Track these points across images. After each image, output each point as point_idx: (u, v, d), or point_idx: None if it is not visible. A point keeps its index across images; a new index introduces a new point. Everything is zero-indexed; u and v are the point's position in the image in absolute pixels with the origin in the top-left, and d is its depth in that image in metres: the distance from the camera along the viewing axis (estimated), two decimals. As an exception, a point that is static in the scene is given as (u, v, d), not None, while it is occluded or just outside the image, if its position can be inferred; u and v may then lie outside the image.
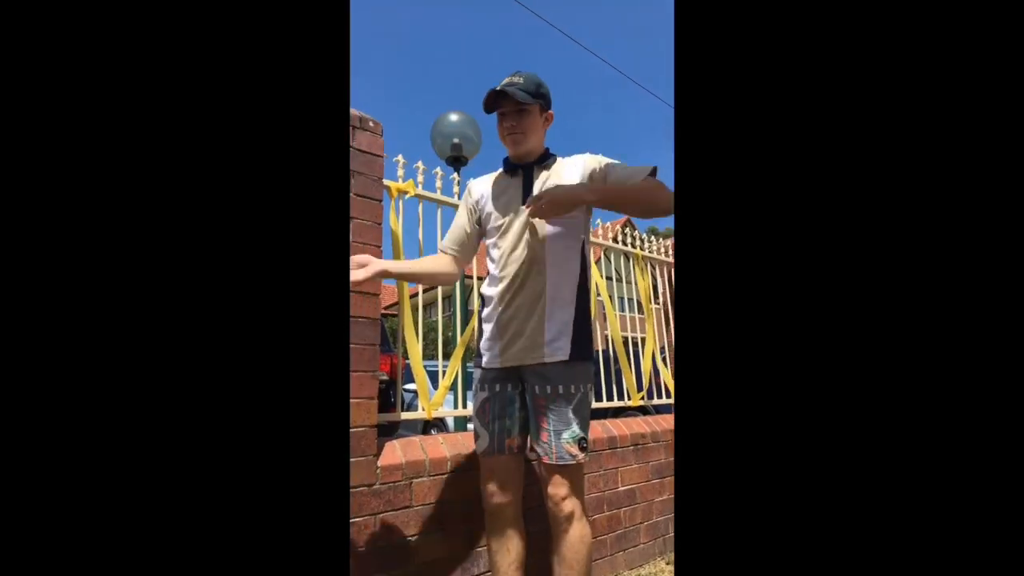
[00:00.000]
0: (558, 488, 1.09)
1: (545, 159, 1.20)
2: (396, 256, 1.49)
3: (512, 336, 1.12)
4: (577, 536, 1.08)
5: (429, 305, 12.61)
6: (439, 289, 1.56)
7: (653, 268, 2.48)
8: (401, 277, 1.25)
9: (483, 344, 1.19)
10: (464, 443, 1.42)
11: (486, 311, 1.19)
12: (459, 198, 1.67)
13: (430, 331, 10.34)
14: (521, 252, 1.13)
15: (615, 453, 1.78)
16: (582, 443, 1.09)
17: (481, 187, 1.25)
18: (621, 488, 1.77)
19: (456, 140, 2.75)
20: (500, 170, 1.24)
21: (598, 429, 1.79)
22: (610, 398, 2.09)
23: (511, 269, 1.13)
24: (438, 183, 1.66)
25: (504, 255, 1.15)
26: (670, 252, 2.59)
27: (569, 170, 1.17)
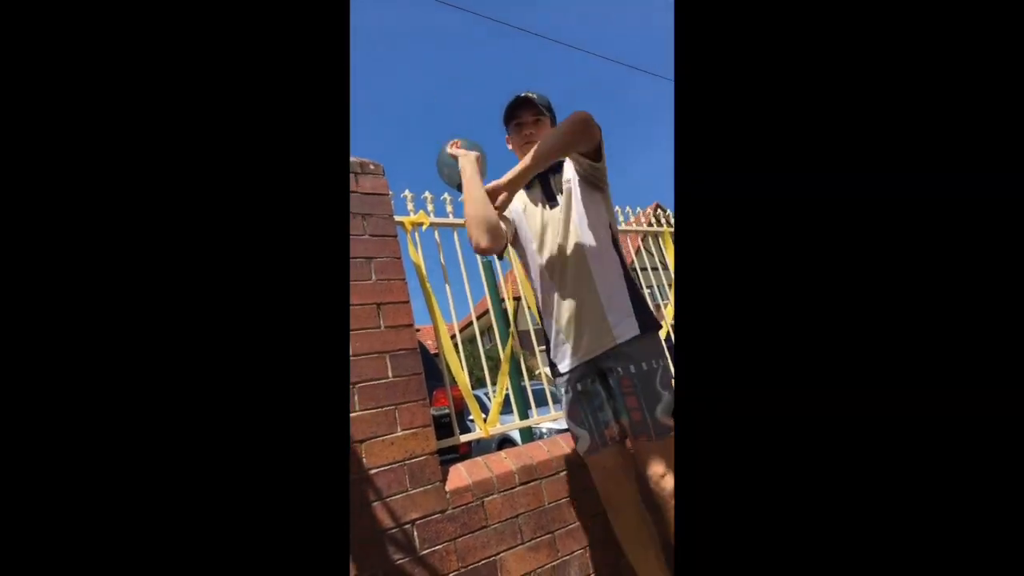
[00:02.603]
0: (656, 466, 1.05)
1: (556, 166, 1.26)
2: (423, 285, 1.53)
3: (577, 333, 1.15)
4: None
5: (471, 340, 12.74)
6: (475, 325, 1.63)
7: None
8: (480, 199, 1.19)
9: (554, 354, 1.22)
10: (528, 454, 1.40)
11: (546, 322, 1.24)
12: None
13: (476, 360, 10.43)
14: (560, 256, 1.18)
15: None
16: (673, 412, 1.08)
17: (516, 201, 1.29)
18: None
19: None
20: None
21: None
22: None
23: (557, 274, 1.18)
24: (449, 207, 1.70)
25: (546, 264, 1.20)
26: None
27: (567, 163, 1.26)
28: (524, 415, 1.75)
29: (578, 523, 1.37)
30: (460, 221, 1.70)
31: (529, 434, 2.71)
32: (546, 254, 1.20)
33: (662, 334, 1.98)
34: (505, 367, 1.65)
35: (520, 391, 2.17)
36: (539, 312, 1.29)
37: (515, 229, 1.28)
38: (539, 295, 1.25)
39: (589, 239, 1.17)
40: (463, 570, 1.17)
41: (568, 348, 1.16)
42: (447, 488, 1.23)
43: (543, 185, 1.26)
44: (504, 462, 1.36)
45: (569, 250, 1.17)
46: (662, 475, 1.05)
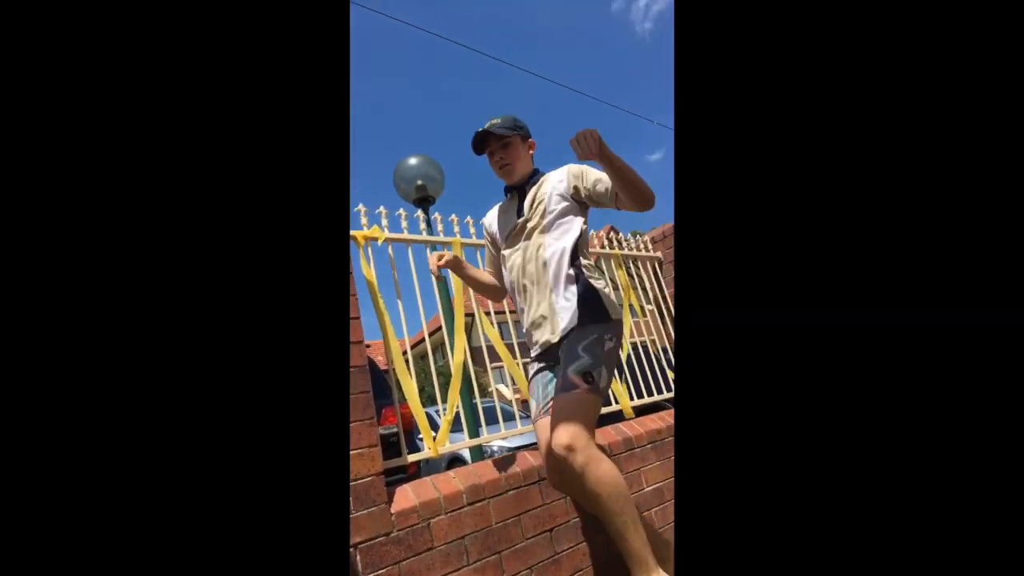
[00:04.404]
0: (560, 437, 1.09)
1: (533, 178, 1.39)
2: (375, 301, 1.50)
3: (535, 327, 1.30)
4: (594, 480, 1.07)
5: (422, 357, 12.53)
6: (427, 342, 1.69)
7: (636, 265, 2.50)
8: (465, 280, 1.45)
9: (527, 342, 1.38)
10: (476, 473, 1.39)
11: (519, 315, 1.38)
12: (427, 234, 1.79)
13: (428, 377, 10.28)
14: (523, 255, 1.32)
15: (634, 454, 1.75)
16: (588, 377, 1.14)
17: (490, 217, 1.50)
18: (647, 488, 1.73)
19: (420, 182, 2.81)
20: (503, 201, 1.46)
21: (611, 432, 1.76)
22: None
23: (517, 272, 1.32)
24: (403, 223, 1.69)
25: (513, 262, 1.34)
26: (650, 247, 2.62)
27: (554, 177, 1.37)
28: (475, 433, 1.74)
29: (525, 543, 1.37)
30: (415, 237, 1.69)
31: (479, 452, 2.69)
32: (514, 256, 1.34)
33: (623, 353, 2.05)
34: (456, 383, 1.64)
35: (471, 408, 2.16)
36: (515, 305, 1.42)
37: (495, 241, 1.46)
38: (513, 297, 1.39)
39: (551, 244, 1.28)
40: (406, 595, 1.14)
41: (532, 341, 1.33)
42: (392, 510, 1.20)
43: (519, 195, 1.38)
44: (452, 482, 1.34)
45: (532, 252, 1.29)
46: (566, 446, 1.08)
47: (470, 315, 2.06)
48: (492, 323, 1.80)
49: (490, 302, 1.75)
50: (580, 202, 1.32)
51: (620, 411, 1.96)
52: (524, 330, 1.36)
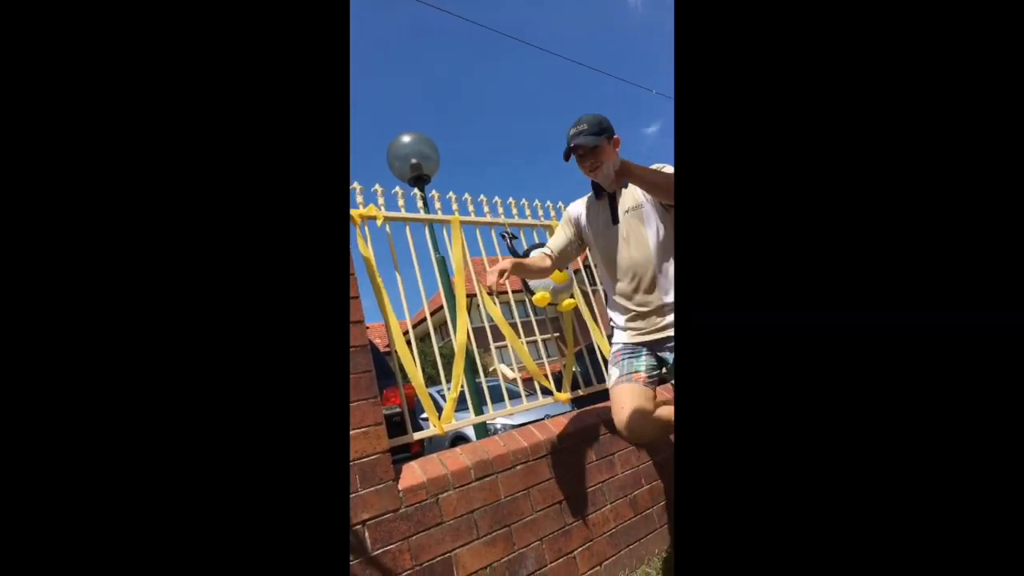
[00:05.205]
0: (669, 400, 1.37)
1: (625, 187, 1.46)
2: (373, 281, 1.48)
3: (645, 323, 1.41)
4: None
5: (422, 338, 12.48)
6: (428, 321, 1.65)
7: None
8: (514, 271, 1.45)
9: (619, 329, 1.48)
10: (483, 448, 1.39)
11: (612, 300, 1.49)
12: (424, 212, 1.76)
13: (428, 358, 10.38)
14: (634, 264, 1.42)
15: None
16: None
17: (578, 209, 1.57)
18: (657, 458, 1.74)
19: (415, 160, 2.75)
20: (591, 193, 1.53)
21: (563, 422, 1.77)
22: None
23: (625, 267, 1.43)
24: (400, 201, 1.66)
25: (617, 259, 1.44)
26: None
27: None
28: (479, 411, 1.75)
29: (535, 515, 1.38)
30: (413, 215, 1.66)
31: (484, 430, 2.71)
32: (620, 253, 1.43)
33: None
34: (460, 361, 1.63)
35: (475, 387, 2.16)
36: (604, 294, 1.57)
37: (580, 232, 1.56)
38: (611, 287, 1.49)
39: (662, 252, 1.39)
40: (417, 568, 1.15)
41: (631, 332, 1.45)
42: (400, 487, 1.20)
43: (610, 197, 1.46)
44: (459, 458, 1.34)
45: (642, 260, 1.40)
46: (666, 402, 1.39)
47: (471, 295, 2.05)
48: (495, 302, 1.79)
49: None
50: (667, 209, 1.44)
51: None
52: (618, 311, 1.48)
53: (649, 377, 1.40)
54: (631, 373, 1.41)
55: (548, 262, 1.54)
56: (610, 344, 1.54)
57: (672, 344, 1.38)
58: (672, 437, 1.36)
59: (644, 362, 1.42)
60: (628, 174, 1.26)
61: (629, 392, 1.36)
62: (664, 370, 1.46)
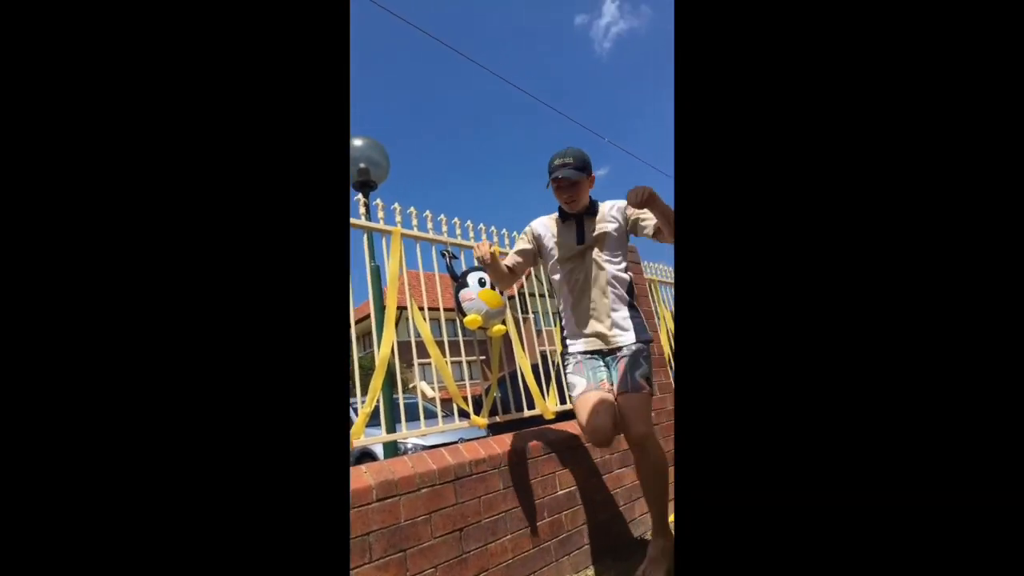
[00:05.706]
0: (640, 426, 1.45)
1: (591, 208, 1.61)
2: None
3: (594, 333, 1.57)
4: (661, 455, 1.50)
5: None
6: (352, 330, 1.60)
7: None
8: (492, 269, 1.57)
9: (570, 340, 1.63)
10: (389, 468, 1.35)
11: (568, 318, 1.63)
12: (366, 219, 1.74)
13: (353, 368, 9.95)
14: (584, 271, 1.57)
15: (552, 458, 1.78)
16: (648, 381, 1.51)
17: (542, 228, 1.67)
18: (560, 492, 1.77)
19: (363, 165, 2.70)
20: (556, 215, 1.65)
21: (528, 436, 1.78)
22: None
23: (580, 284, 1.58)
24: (341, 204, 1.62)
25: (575, 276, 1.59)
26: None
27: (608, 206, 1.61)
28: (392, 428, 1.69)
29: (432, 541, 1.34)
30: (353, 222, 1.62)
31: (394, 449, 2.62)
32: (575, 273, 1.58)
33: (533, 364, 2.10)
34: (380, 374, 1.59)
35: (391, 403, 2.10)
36: (559, 313, 1.72)
37: (536, 252, 1.69)
38: (565, 300, 1.63)
39: (612, 272, 1.56)
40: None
41: (582, 340, 1.59)
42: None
43: (578, 224, 1.59)
44: (363, 477, 1.29)
45: (596, 277, 1.56)
46: (631, 420, 1.46)
47: (402, 308, 2.01)
48: (424, 318, 1.76)
49: (424, 297, 1.79)
50: (627, 231, 1.63)
51: (540, 415, 1.99)
52: (573, 322, 1.63)
53: (610, 385, 1.55)
54: (599, 383, 1.55)
55: (509, 271, 1.66)
56: (563, 347, 1.67)
57: (620, 354, 1.55)
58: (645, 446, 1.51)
59: (605, 372, 1.57)
60: (653, 205, 1.37)
61: (599, 399, 1.49)
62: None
